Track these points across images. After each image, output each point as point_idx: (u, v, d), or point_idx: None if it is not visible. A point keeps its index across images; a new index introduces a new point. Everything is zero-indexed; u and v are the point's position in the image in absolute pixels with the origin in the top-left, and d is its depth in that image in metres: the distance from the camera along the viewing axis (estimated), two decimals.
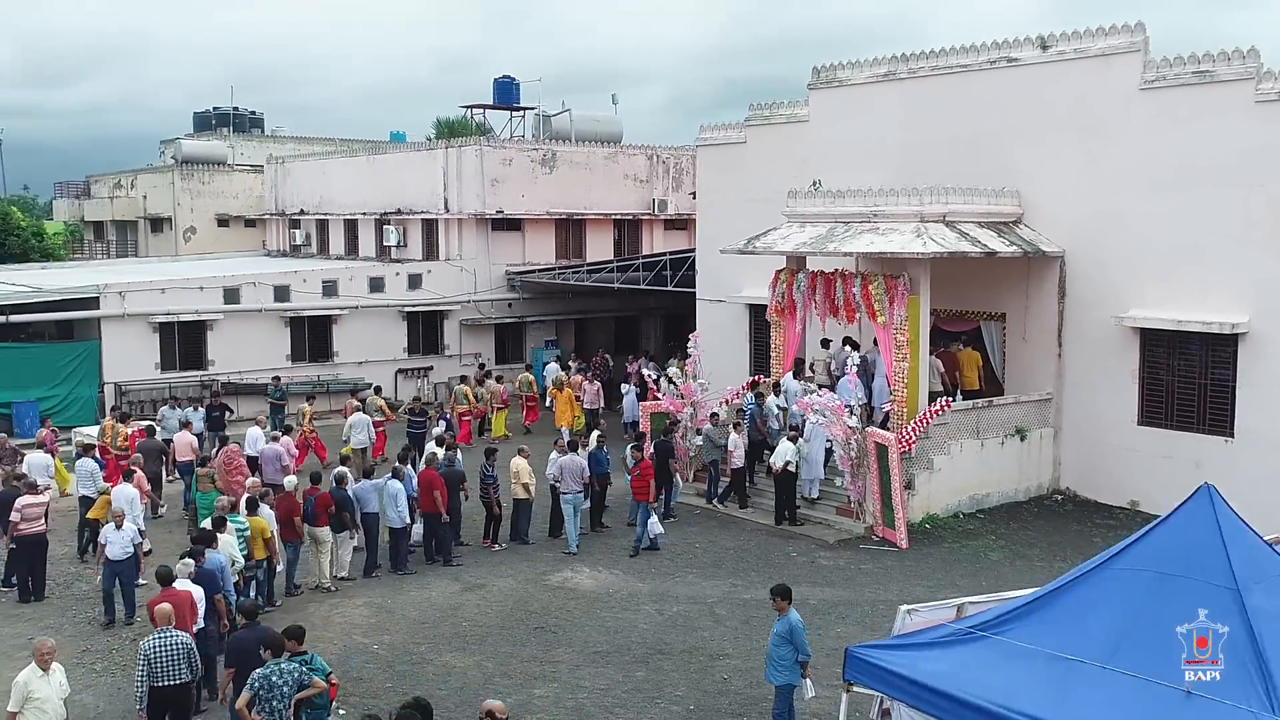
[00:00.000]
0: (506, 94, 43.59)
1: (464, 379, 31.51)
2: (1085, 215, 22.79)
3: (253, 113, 69.11)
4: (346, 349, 34.58)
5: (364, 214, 41.50)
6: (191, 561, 13.46)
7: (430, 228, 38.39)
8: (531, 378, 32.41)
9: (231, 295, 32.69)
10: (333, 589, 17.95)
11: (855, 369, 22.02)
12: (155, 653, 11.46)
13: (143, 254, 58.55)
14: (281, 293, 33.46)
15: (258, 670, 10.63)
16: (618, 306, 38.62)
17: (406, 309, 35.52)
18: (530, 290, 37.59)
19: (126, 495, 18.41)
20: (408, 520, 18.84)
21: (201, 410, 26.20)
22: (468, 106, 48.27)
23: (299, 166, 46.58)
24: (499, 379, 31.86)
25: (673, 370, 24.40)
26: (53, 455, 23.20)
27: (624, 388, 30.56)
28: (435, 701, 13.75)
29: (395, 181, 39.88)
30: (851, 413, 20.82)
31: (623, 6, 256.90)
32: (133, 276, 33.39)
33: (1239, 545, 7.37)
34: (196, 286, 32.24)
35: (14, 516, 17.04)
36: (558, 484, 20.11)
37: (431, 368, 36.03)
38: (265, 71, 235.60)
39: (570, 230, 39.05)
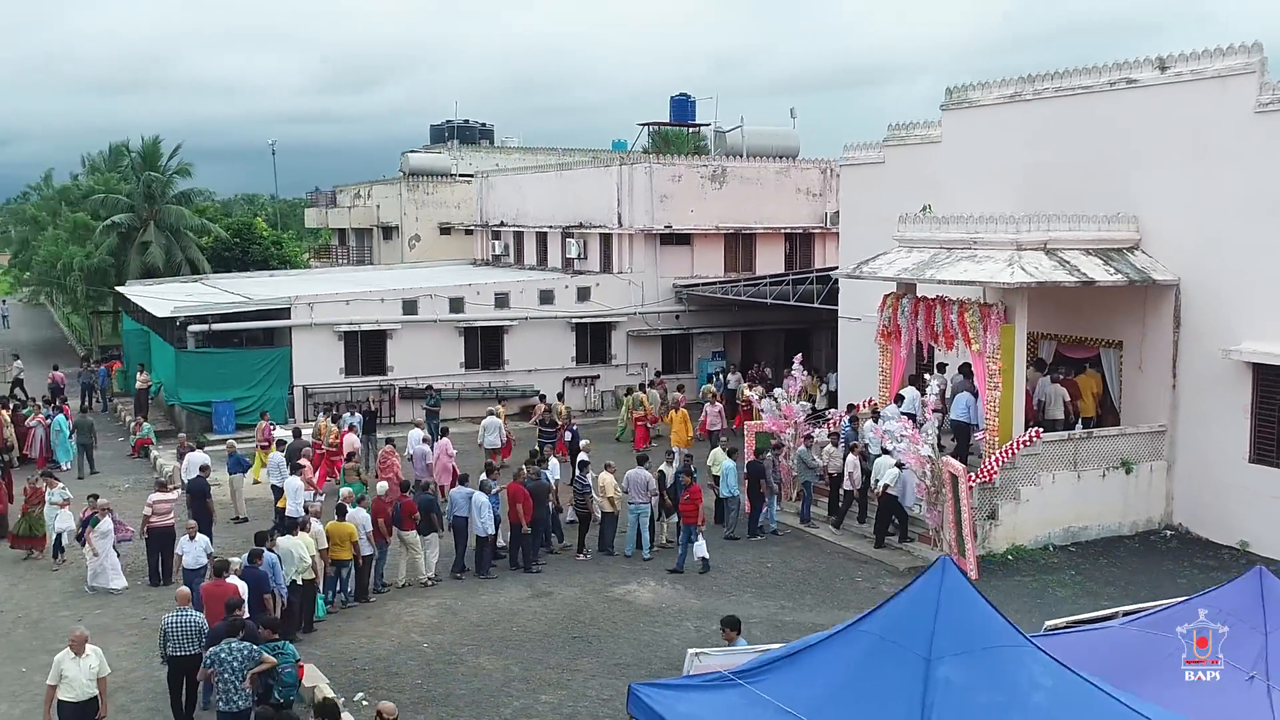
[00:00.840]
0: (683, 111, 44.83)
1: (643, 387, 33.24)
2: (1200, 242, 21.98)
3: (483, 125, 73.04)
4: (517, 357, 36.71)
5: (551, 227, 43.67)
6: (235, 560, 15.47)
7: (606, 241, 40.10)
8: (713, 388, 33.48)
9: (410, 307, 35.38)
10: (426, 583, 19.77)
11: (934, 398, 22.05)
12: (171, 627, 13.87)
13: (376, 260, 63.37)
14: (456, 304, 35.90)
15: (211, 649, 12.54)
16: (788, 319, 39.08)
17: (574, 320, 37.35)
18: (697, 302, 38.70)
19: (293, 485, 21.49)
20: (490, 530, 20.40)
21: (359, 415, 28.74)
22: (645, 124, 49.82)
23: (500, 181, 49.32)
24: (680, 388, 33.46)
25: (777, 390, 25.01)
26: (269, 445, 26.25)
27: (765, 404, 31.18)
28: (451, 700, 15.30)
29: (578, 197, 41.82)
30: (926, 441, 20.93)
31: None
32: (322, 289, 36.55)
33: (952, 617, 7.73)
34: (378, 299, 35.09)
35: (146, 510, 19.69)
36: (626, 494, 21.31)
37: (598, 376, 37.74)
38: (546, 75, 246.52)
39: (740, 244, 39.88)
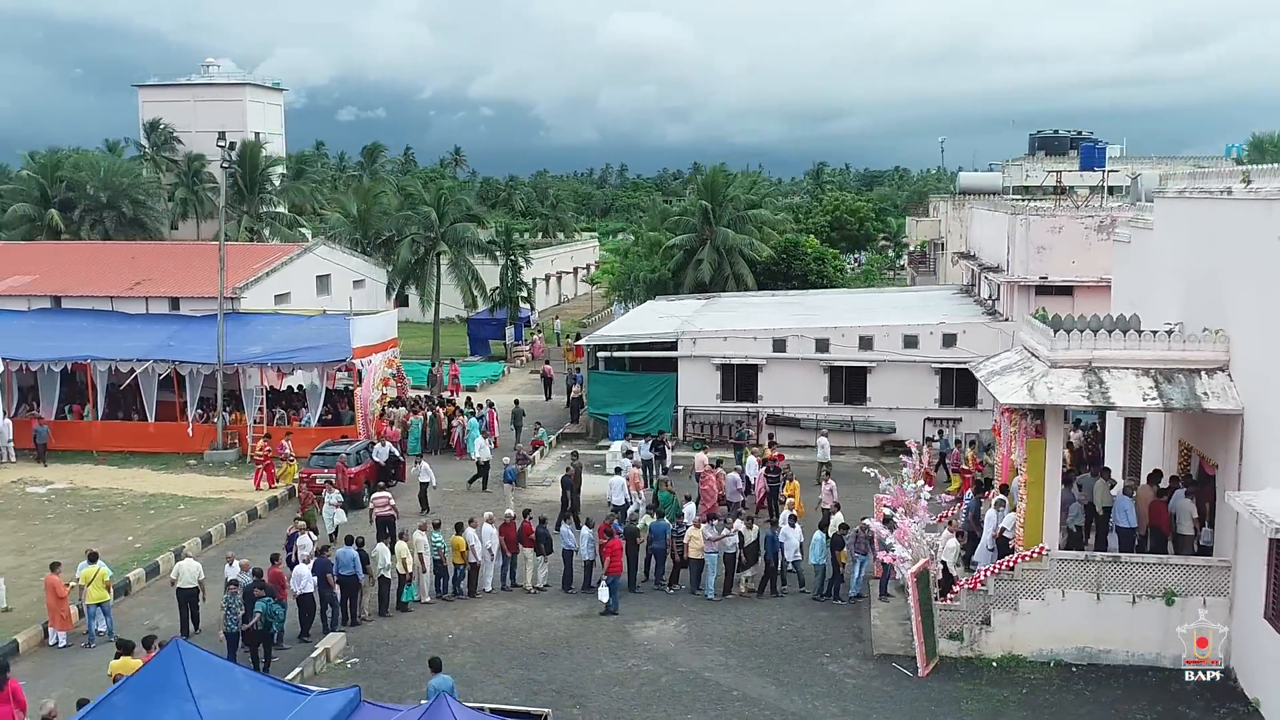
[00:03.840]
0: (1090, 158, 43.06)
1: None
2: (1263, 370, 20.40)
3: (1077, 134, 72.06)
4: (879, 395, 40.00)
5: (983, 266, 45.20)
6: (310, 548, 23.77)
7: (1000, 288, 41.18)
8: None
9: (779, 345, 40.42)
10: (531, 590, 26.19)
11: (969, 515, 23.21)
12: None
13: (936, 271, 67.20)
14: (822, 345, 40.18)
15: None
16: None
17: (936, 365, 39.51)
18: None
19: (617, 483, 30.28)
20: (590, 557, 26.10)
21: (648, 443, 35.08)
22: (1051, 170, 47.75)
23: (976, 213, 51.02)
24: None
25: (906, 471, 26.88)
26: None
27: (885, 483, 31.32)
28: (393, 676, 21.64)
29: (992, 240, 43.09)
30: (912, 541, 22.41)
31: None
32: (705, 326, 42.73)
33: (197, 672, 12.95)
34: (751, 336, 40.63)
35: (369, 504, 28.46)
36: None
37: (960, 419, 39.50)
38: None
39: None
